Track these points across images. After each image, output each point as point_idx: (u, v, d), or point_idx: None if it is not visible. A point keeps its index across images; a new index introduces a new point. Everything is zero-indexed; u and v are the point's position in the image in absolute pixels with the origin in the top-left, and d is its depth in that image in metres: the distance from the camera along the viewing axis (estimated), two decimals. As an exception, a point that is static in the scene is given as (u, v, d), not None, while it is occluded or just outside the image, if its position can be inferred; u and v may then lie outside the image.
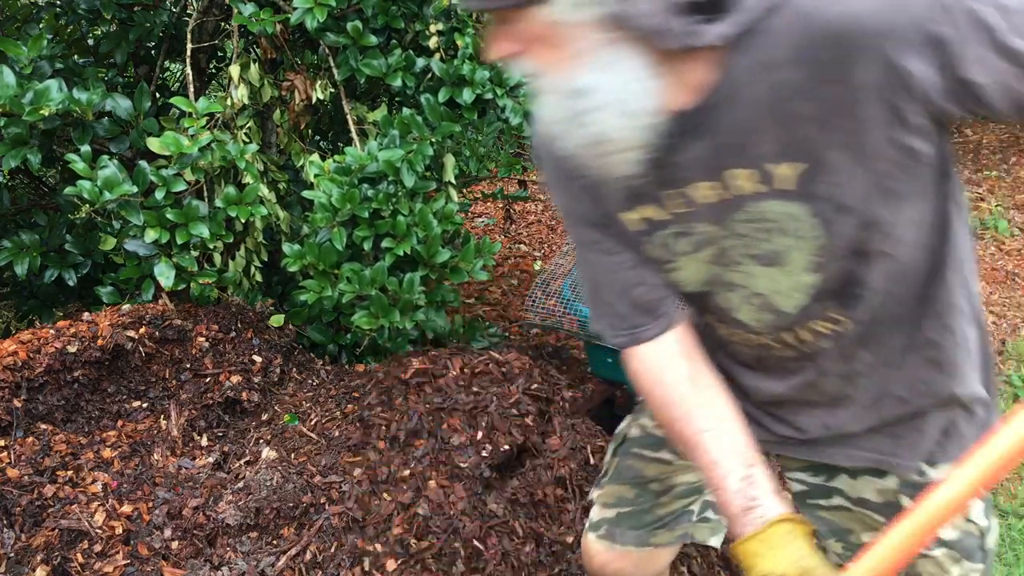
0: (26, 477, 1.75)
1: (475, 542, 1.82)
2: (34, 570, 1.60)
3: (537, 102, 0.94)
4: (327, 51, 2.37)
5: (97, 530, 1.71)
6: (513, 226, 4.63)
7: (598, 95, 0.89)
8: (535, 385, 2.18)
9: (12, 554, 1.61)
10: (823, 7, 0.85)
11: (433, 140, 2.31)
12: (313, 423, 2.11)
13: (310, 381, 2.28)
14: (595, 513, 1.48)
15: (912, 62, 0.84)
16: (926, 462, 1.17)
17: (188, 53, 2.36)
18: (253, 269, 2.40)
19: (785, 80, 0.88)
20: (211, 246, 2.20)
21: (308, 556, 1.74)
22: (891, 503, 1.22)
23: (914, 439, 1.16)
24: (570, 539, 1.91)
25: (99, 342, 2.00)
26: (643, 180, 0.99)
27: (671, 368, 1.13)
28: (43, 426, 1.88)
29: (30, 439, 1.83)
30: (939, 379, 1.12)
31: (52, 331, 2.00)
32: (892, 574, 0.91)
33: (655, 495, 1.42)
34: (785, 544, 0.98)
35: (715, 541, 1.51)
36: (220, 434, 2.08)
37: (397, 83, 2.37)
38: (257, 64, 2.41)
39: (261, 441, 2.05)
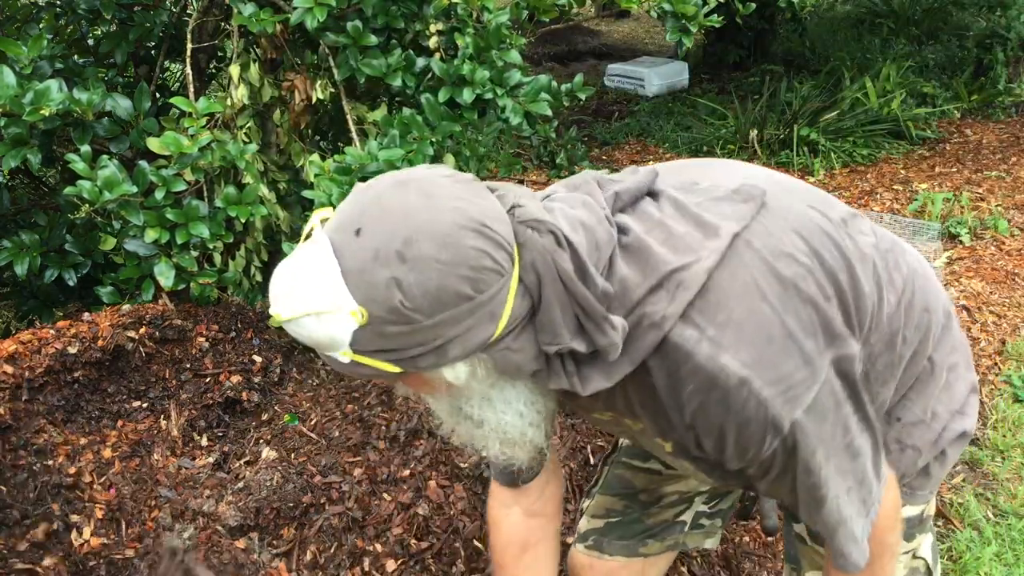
0: (25, 476, 1.75)
1: (475, 542, 1.82)
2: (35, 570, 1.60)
3: (430, 405, 0.99)
4: (327, 51, 2.37)
5: (97, 529, 1.71)
6: (513, 226, 4.63)
7: (486, 425, 0.95)
8: (535, 385, 2.18)
9: (13, 554, 1.61)
10: (700, 361, 0.87)
11: (433, 140, 2.30)
12: (313, 423, 2.11)
13: (310, 381, 2.28)
14: (583, 524, 1.47)
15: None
16: None
17: (188, 53, 2.36)
18: (253, 269, 2.39)
19: (661, 402, 0.92)
20: (211, 246, 2.20)
21: (308, 556, 1.74)
22: None
23: None
24: (570, 539, 1.91)
25: (99, 342, 2.00)
26: None
27: (509, 530, 1.27)
28: (43, 426, 1.88)
29: (30, 439, 1.83)
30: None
31: (52, 331, 2.00)
32: None
33: (644, 505, 1.42)
34: None
35: (711, 544, 1.50)
36: (220, 434, 2.08)
37: (397, 83, 2.36)
38: (257, 64, 2.41)
39: (261, 441, 2.05)
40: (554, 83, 2.53)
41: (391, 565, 1.73)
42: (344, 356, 0.81)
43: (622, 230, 0.91)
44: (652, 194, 0.96)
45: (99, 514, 1.77)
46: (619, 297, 0.87)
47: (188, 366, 2.13)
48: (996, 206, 4.42)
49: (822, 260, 0.92)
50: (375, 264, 0.77)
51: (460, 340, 0.80)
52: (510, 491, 1.25)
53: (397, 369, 0.82)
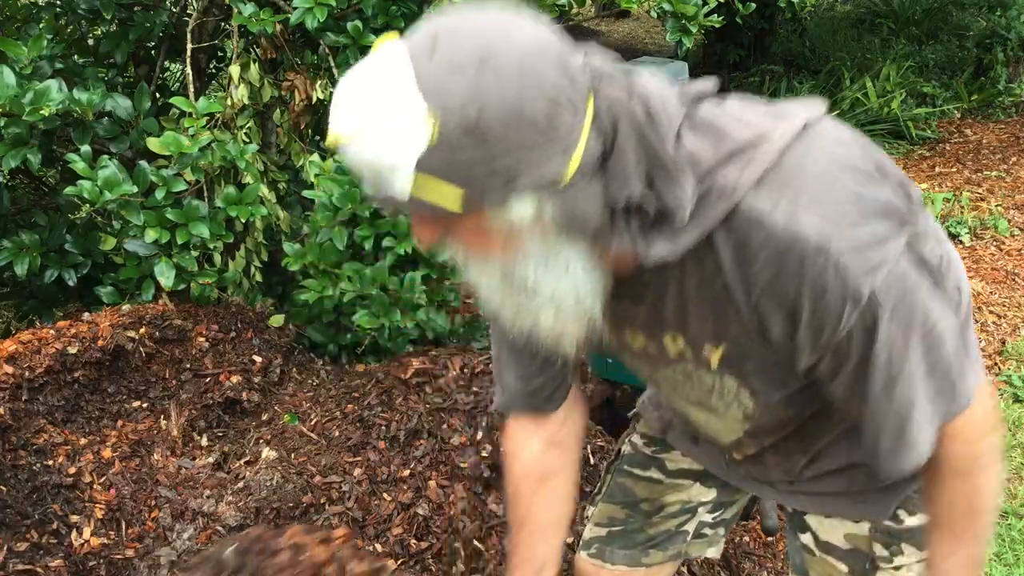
0: (25, 476, 1.75)
1: (475, 542, 1.82)
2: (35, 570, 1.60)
3: (475, 278, 0.90)
4: (327, 51, 2.37)
5: (97, 529, 1.71)
6: (513, 226, 4.63)
7: (540, 293, 0.86)
8: (535, 385, 2.18)
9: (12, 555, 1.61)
10: (775, 228, 0.82)
11: (433, 140, 2.30)
12: (313, 423, 2.11)
13: (310, 381, 2.28)
14: (587, 532, 1.45)
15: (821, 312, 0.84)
16: (904, 509, 1.15)
17: (188, 53, 2.36)
18: (253, 269, 2.39)
19: (723, 286, 0.87)
20: (211, 246, 2.20)
21: (308, 556, 1.74)
22: (859, 551, 1.20)
23: (888, 501, 1.15)
24: (570, 539, 1.91)
25: (99, 342, 2.00)
26: None
27: (528, 460, 1.20)
28: (43, 426, 1.88)
29: (30, 439, 1.83)
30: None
31: (52, 331, 2.00)
32: None
33: (646, 515, 1.40)
34: None
35: (713, 552, 1.47)
36: (220, 434, 2.08)
37: (397, 83, 2.36)
38: (257, 64, 2.41)
39: (261, 441, 2.05)
40: (554, 83, 2.53)
41: (391, 565, 1.73)
42: (405, 183, 0.72)
43: (689, 111, 0.86)
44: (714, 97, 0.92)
45: (99, 514, 1.77)
46: (688, 167, 0.82)
47: (188, 366, 2.13)
48: (996, 206, 4.42)
49: (888, 169, 0.89)
50: (452, 73, 0.71)
51: (531, 170, 0.74)
52: (531, 421, 1.19)
53: (458, 207, 0.74)
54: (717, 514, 1.43)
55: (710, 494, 1.38)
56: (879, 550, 1.18)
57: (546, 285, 0.85)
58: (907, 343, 0.87)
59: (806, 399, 1.03)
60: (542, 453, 1.20)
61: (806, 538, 1.27)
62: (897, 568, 1.19)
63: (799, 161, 0.83)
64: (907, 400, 0.90)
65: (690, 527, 1.42)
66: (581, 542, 1.46)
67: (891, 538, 1.17)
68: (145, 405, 2.06)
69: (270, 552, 1.22)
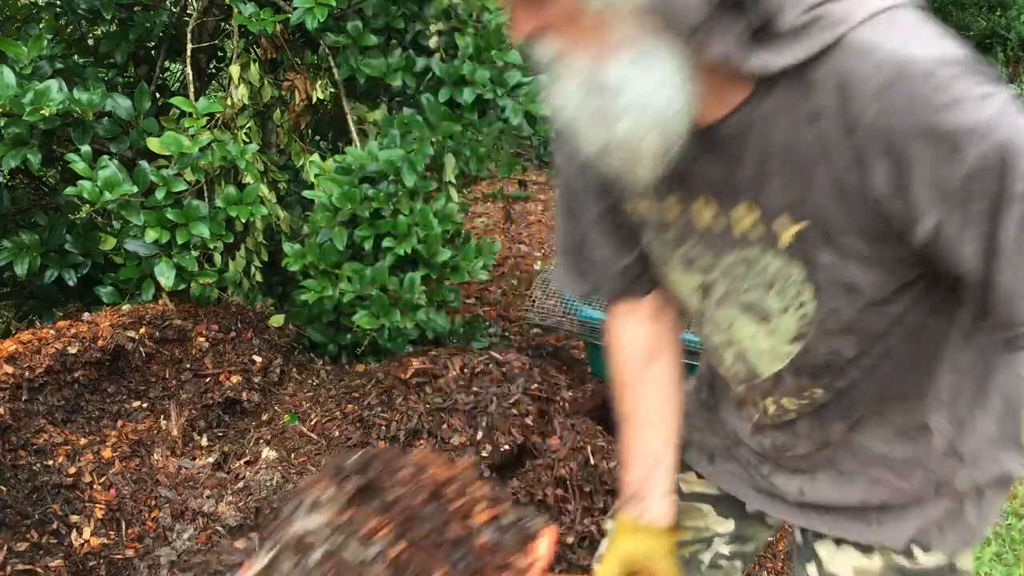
0: (25, 476, 1.75)
1: (475, 542, 1.82)
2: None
3: (558, 86, 0.85)
4: (327, 51, 2.37)
5: (97, 530, 1.71)
6: (513, 226, 4.63)
7: (626, 95, 0.80)
8: (535, 385, 2.18)
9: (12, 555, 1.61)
10: (885, 55, 0.75)
11: (433, 140, 2.31)
12: (313, 423, 2.11)
13: (310, 381, 2.28)
14: (601, 546, 1.39)
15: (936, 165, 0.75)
16: (919, 545, 1.04)
17: (188, 53, 2.36)
18: (253, 269, 2.39)
19: (817, 136, 0.80)
20: (211, 246, 2.20)
21: (308, 556, 1.74)
22: None
23: (905, 525, 1.05)
24: (570, 539, 1.91)
25: (99, 342, 1.99)
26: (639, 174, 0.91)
27: (630, 342, 1.14)
28: (43, 426, 1.88)
29: (30, 439, 1.83)
30: (946, 465, 1.01)
31: (52, 331, 2.00)
32: None
33: None
34: (644, 541, 1.13)
35: None
36: (220, 434, 2.08)
37: (397, 83, 2.36)
38: (257, 64, 2.41)
39: (261, 441, 2.05)
40: (554, 83, 2.53)
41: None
42: None
43: None
44: None
45: (99, 514, 1.77)
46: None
47: (188, 366, 2.13)
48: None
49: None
50: None
51: None
52: (626, 305, 1.13)
53: None
54: (735, 547, 1.34)
55: (727, 525, 1.29)
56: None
57: (633, 85, 0.80)
58: None
59: (868, 320, 0.91)
60: (643, 334, 1.14)
61: (810, 568, 1.17)
62: None
63: (902, 17, 0.79)
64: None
65: (705, 557, 1.33)
66: (596, 556, 1.42)
67: None
68: (145, 405, 2.06)
69: (393, 467, 1.23)
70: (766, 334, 0.97)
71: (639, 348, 1.14)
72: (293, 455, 2.00)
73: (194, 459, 1.99)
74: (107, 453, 1.90)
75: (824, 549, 1.13)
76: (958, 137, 0.73)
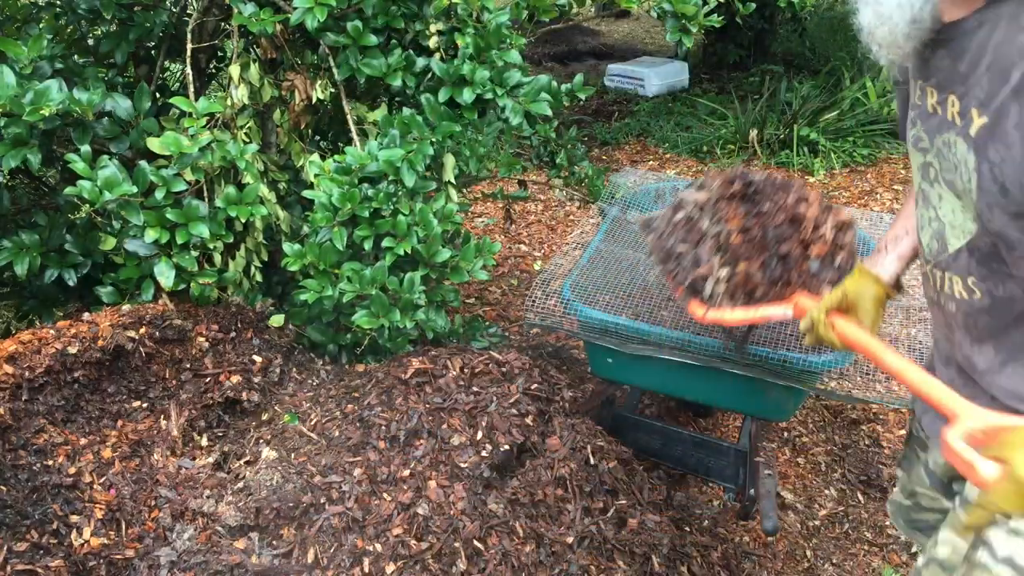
0: (25, 476, 1.75)
1: (475, 542, 1.82)
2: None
3: None
4: (327, 51, 2.37)
5: (97, 530, 1.71)
6: (513, 226, 4.63)
7: None
8: (535, 385, 2.18)
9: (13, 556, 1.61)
10: None
11: (433, 140, 2.31)
12: (313, 423, 2.11)
13: (310, 381, 2.28)
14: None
15: None
16: None
17: (188, 53, 2.36)
18: (253, 269, 2.39)
19: (1020, 44, 0.95)
20: (211, 246, 2.20)
21: (308, 556, 1.74)
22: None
23: None
24: (570, 539, 1.91)
25: (99, 342, 2.00)
26: (912, 61, 1.16)
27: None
28: (43, 426, 1.88)
29: (30, 439, 1.83)
30: None
31: (52, 331, 2.00)
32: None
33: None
34: (863, 283, 1.45)
35: None
36: (220, 434, 2.08)
37: (397, 83, 2.36)
38: (257, 64, 2.41)
39: (261, 441, 2.05)
40: (554, 83, 2.53)
41: (391, 565, 1.73)
42: None
43: None
44: None
45: (99, 514, 1.77)
46: None
47: (188, 366, 2.13)
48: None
49: None
50: None
51: None
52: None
53: None
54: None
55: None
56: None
57: None
58: None
59: (1016, 230, 1.05)
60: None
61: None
62: (1014, 532, 1.17)
63: None
64: None
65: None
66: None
67: None
68: (145, 405, 2.06)
69: (776, 189, 1.66)
70: (961, 210, 1.14)
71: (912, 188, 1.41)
72: (293, 455, 2.00)
73: (194, 459, 1.99)
74: (107, 453, 1.90)
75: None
76: None
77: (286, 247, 2.21)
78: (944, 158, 1.12)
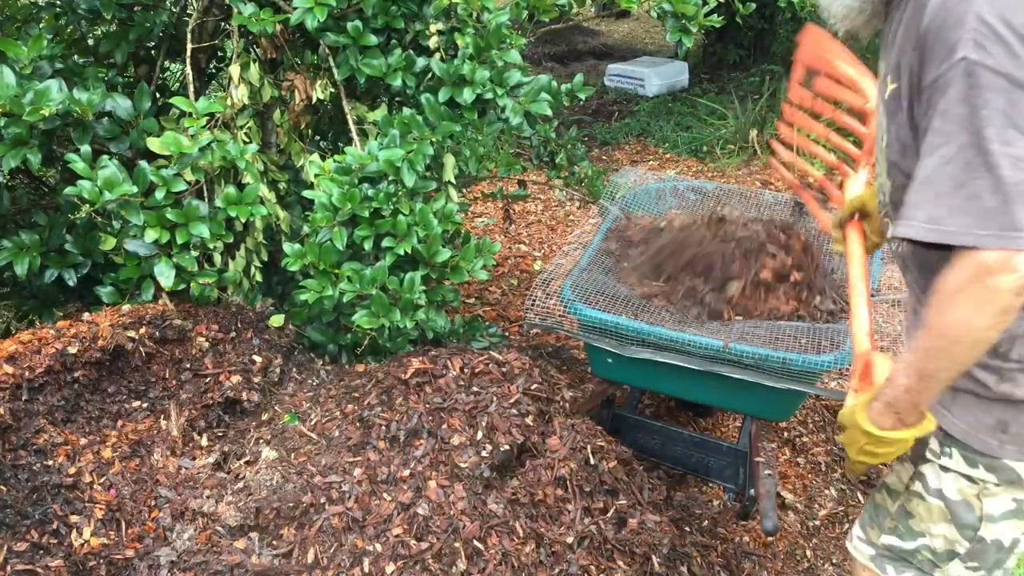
0: (25, 476, 1.75)
1: (475, 542, 1.82)
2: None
3: None
4: (327, 51, 2.37)
5: (97, 530, 1.71)
6: (513, 226, 4.63)
7: None
8: (535, 385, 2.18)
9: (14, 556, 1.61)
10: None
11: (433, 140, 2.31)
12: (313, 423, 2.11)
13: (310, 381, 2.28)
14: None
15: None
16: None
17: (188, 53, 2.36)
18: (253, 269, 2.39)
19: (914, 18, 1.11)
20: (211, 246, 2.20)
21: (308, 556, 1.74)
22: (921, 439, 1.35)
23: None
24: (570, 539, 1.91)
25: (99, 342, 2.00)
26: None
27: None
28: (43, 426, 1.88)
29: (30, 439, 1.83)
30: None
31: (52, 331, 2.00)
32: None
33: None
34: (871, 192, 1.56)
35: None
36: (220, 434, 2.08)
37: (397, 83, 2.36)
38: (257, 64, 2.41)
39: (261, 441, 2.05)
40: (554, 83, 2.53)
41: (391, 565, 1.73)
42: None
43: None
44: None
45: (99, 514, 1.77)
46: None
47: (188, 366, 2.13)
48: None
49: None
50: None
51: None
52: None
53: None
54: None
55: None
56: (934, 445, 1.35)
57: None
58: (954, 134, 1.04)
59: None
60: None
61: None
62: (943, 468, 1.34)
63: None
64: (927, 177, 1.07)
65: None
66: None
67: (947, 439, 1.33)
68: (145, 405, 2.06)
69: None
70: (884, 169, 1.30)
71: None
72: (293, 455, 2.00)
73: (194, 459, 1.99)
74: (107, 453, 1.90)
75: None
76: (954, 43, 1.04)
77: (286, 247, 2.21)
78: (880, 123, 1.30)
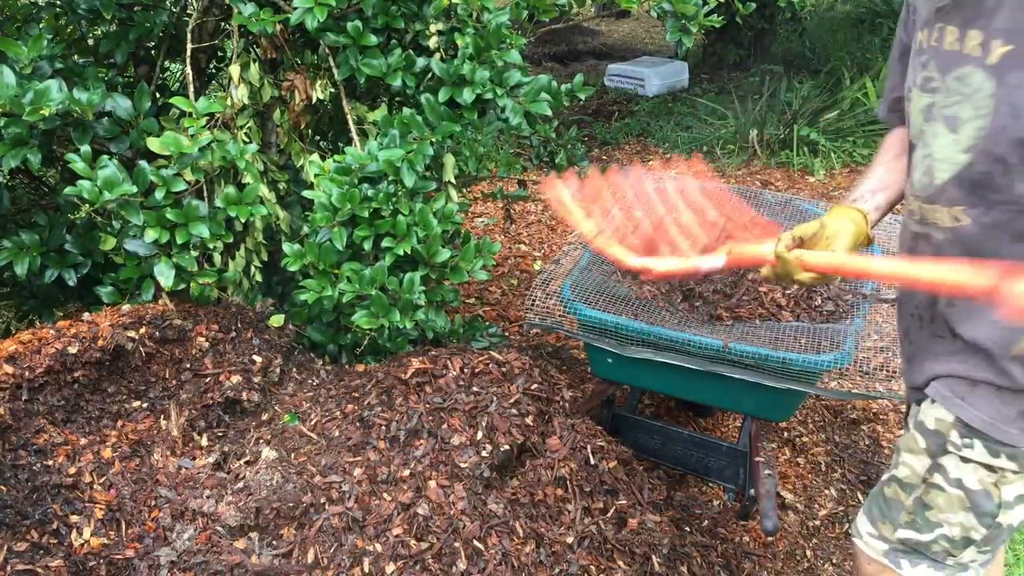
0: (25, 476, 1.75)
1: (475, 542, 1.82)
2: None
3: None
4: (327, 51, 2.37)
5: (97, 530, 1.71)
6: (513, 226, 4.64)
7: None
8: (535, 385, 2.18)
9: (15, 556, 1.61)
10: None
11: (433, 140, 2.31)
12: (313, 423, 2.11)
13: (310, 381, 2.28)
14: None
15: None
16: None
17: (188, 53, 2.36)
18: (253, 269, 2.39)
19: None
20: (211, 246, 2.20)
21: (308, 556, 1.74)
22: (939, 433, 1.40)
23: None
24: (570, 539, 1.91)
25: (99, 342, 2.00)
26: (929, 6, 1.30)
27: (889, 144, 1.63)
28: (43, 426, 1.88)
29: (30, 439, 1.83)
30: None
31: (52, 331, 2.00)
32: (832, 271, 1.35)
33: None
34: (841, 216, 1.46)
35: None
36: (220, 434, 2.08)
37: (397, 83, 2.36)
38: (257, 64, 2.41)
39: (261, 441, 2.05)
40: (554, 83, 2.53)
41: (391, 565, 1.73)
42: None
43: None
44: None
45: (99, 514, 1.77)
46: None
47: (188, 366, 2.13)
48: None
49: None
50: None
51: None
52: (894, 128, 1.61)
53: None
54: None
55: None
56: (954, 437, 1.37)
57: None
58: None
59: (1018, 156, 1.18)
60: (902, 137, 1.56)
61: (909, 418, 1.50)
62: (964, 459, 1.37)
63: None
64: None
65: None
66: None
67: (968, 431, 1.35)
68: (145, 405, 2.06)
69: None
70: (951, 144, 1.27)
71: (893, 149, 1.60)
72: (293, 455, 2.00)
73: (194, 459, 1.99)
74: (107, 453, 1.90)
75: (916, 408, 1.48)
76: None
77: (286, 247, 2.21)
78: (952, 93, 1.25)
